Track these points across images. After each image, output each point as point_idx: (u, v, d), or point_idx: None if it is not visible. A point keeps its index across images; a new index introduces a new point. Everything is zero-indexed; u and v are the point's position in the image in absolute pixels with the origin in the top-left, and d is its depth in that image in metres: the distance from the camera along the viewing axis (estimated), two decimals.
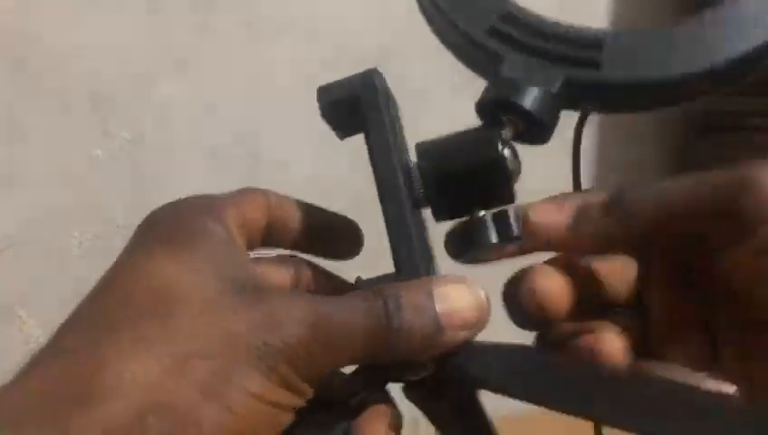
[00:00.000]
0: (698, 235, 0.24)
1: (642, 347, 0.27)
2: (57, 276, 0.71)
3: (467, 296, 0.24)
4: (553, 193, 0.27)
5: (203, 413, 0.19)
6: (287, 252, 0.29)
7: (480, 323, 0.23)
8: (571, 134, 0.29)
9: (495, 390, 0.23)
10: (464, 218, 0.27)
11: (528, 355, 0.24)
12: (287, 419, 0.21)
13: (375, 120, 0.26)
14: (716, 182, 0.23)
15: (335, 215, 0.29)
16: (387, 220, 0.25)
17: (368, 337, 0.22)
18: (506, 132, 0.26)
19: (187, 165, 0.77)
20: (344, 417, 0.24)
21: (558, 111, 0.26)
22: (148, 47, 0.73)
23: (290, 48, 0.81)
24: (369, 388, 0.24)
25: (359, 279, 0.27)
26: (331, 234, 0.29)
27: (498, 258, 0.27)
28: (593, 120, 0.27)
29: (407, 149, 0.28)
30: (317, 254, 0.29)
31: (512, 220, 0.25)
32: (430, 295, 0.23)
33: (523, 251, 0.27)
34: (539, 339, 0.27)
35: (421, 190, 0.26)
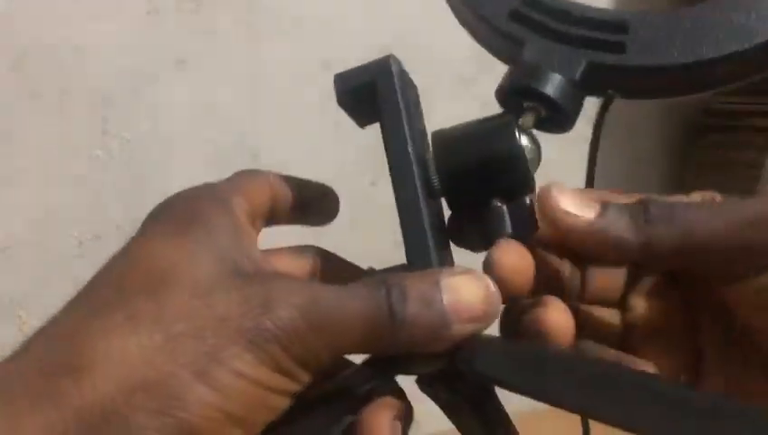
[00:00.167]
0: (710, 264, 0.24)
1: (621, 344, 0.27)
2: (57, 276, 0.71)
3: (476, 289, 0.23)
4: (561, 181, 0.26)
5: (191, 392, 0.19)
6: (299, 240, 0.29)
7: (488, 316, 0.23)
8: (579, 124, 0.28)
9: (501, 385, 0.23)
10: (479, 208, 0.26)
11: (535, 351, 0.23)
12: (280, 402, 0.21)
13: (390, 108, 0.25)
14: (745, 219, 0.22)
15: (317, 183, 0.30)
16: (399, 210, 0.25)
17: (367, 326, 0.22)
18: (527, 120, 0.25)
19: (187, 165, 0.77)
20: (351, 407, 0.23)
21: (581, 98, 0.25)
22: (148, 47, 0.73)
23: (290, 48, 0.81)
24: (378, 379, 0.24)
25: (370, 269, 0.27)
26: (319, 203, 0.30)
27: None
28: (591, 117, 0.27)
29: (425, 135, 0.27)
30: (307, 223, 0.30)
31: (529, 212, 0.25)
32: (437, 287, 0.22)
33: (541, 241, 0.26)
34: (503, 313, 0.27)
35: (436, 180, 0.25)
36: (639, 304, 0.28)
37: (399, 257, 0.25)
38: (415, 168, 0.25)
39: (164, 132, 0.76)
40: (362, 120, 0.28)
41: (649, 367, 0.25)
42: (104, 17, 0.70)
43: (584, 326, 0.27)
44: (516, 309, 0.26)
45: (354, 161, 0.81)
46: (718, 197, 0.25)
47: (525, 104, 0.25)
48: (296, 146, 0.81)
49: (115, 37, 0.71)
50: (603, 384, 0.21)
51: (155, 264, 0.22)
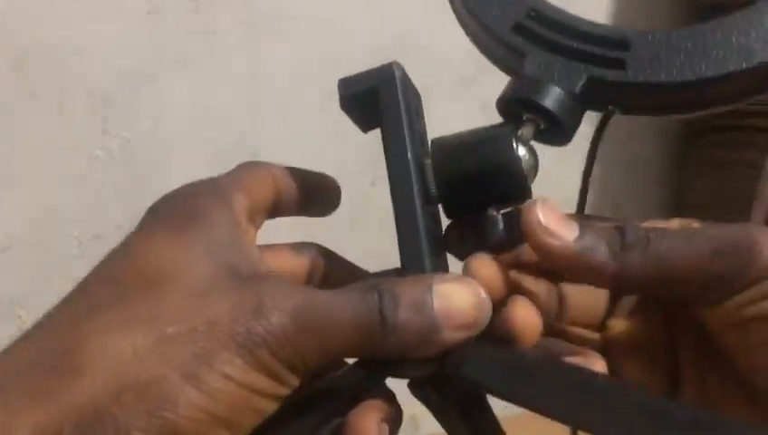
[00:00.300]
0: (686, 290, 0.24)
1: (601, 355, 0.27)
2: (57, 276, 0.71)
3: (467, 295, 0.23)
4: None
5: (180, 394, 0.19)
6: (299, 237, 0.29)
7: (479, 323, 0.23)
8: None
9: (488, 391, 0.23)
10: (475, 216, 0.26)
11: (524, 359, 0.24)
12: (268, 406, 0.21)
13: (391, 114, 0.26)
14: (715, 249, 0.23)
15: (318, 174, 0.30)
16: (395, 215, 0.25)
17: (358, 331, 0.22)
18: (525, 131, 0.25)
19: (187, 165, 0.77)
20: (340, 408, 0.23)
21: (580, 112, 0.26)
22: (148, 47, 0.73)
23: (290, 48, 0.81)
24: (367, 381, 0.24)
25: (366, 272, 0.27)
26: (321, 193, 0.30)
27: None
28: (591, 116, 0.27)
29: (426, 142, 0.27)
30: (310, 214, 0.30)
31: (519, 222, 0.25)
32: (429, 292, 0.22)
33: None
34: None
35: (433, 186, 0.26)
36: (619, 323, 0.28)
37: (398, 257, 0.25)
38: (413, 174, 0.25)
39: (164, 132, 0.76)
40: (365, 125, 0.28)
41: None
42: (104, 17, 0.70)
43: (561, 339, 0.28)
44: None
45: (354, 161, 0.81)
46: (696, 224, 0.26)
47: (525, 116, 0.25)
48: (296, 146, 0.81)
49: (115, 37, 0.71)
50: (589, 394, 0.21)
51: (152, 262, 0.22)
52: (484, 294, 0.23)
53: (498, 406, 0.25)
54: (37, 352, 0.20)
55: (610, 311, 0.29)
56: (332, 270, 0.29)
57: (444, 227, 0.27)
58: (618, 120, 0.26)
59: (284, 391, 0.22)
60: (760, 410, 0.24)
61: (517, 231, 0.24)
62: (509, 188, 0.25)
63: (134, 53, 0.73)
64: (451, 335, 0.22)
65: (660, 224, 0.26)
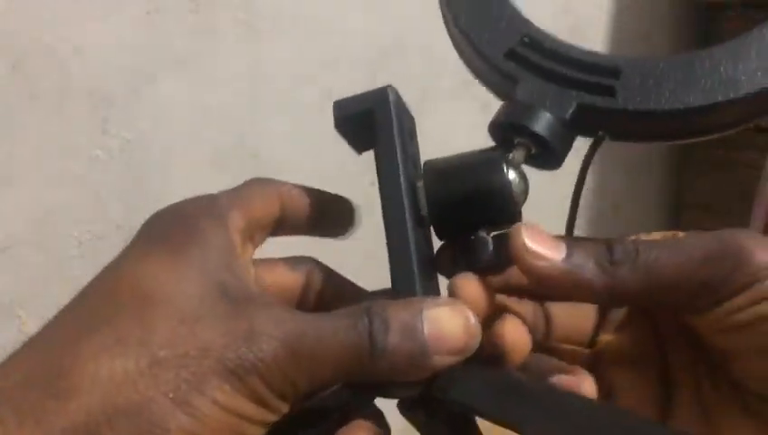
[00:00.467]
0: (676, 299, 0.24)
1: (590, 369, 0.27)
2: (57, 276, 0.71)
3: (458, 320, 0.23)
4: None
5: (171, 419, 0.20)
6: (298, 249, 0.29)
7: (469, 348, 0.23)
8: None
9: (477, 414, 0.23)
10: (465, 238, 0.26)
11: (512, 382, 0.24)
12: (257, 432, 0.22)
13: (385, 137, 0.26)
14: (701, 257, 0.23)
15: (334, 195, 0.30)
16: (387, 237, 0.25)
17: (349, 358, 0.22)
18: (517, 155, 0.26)
19: (187, 165, 0.77)
20: (328, 429, 0.23)
21: (571, 138, 0.26)
22: (148, 47, 0.73)
23: (290, 48, 0.81)
24: (356, 401, 0.24)
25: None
26: (335, 215, 0.30)
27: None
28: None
29: (418, 165, 0.28)
30: (322, 235, 0.30)
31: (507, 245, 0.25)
32: (420, 317, 0.23)
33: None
34: None
35: (425, 209, 0.26)
36: (608, 338, 0.28)
37: (381, 260, 0.25)
38: (405, 196, 0.25)
39: (164, 132, 0.76)
40: (359, 147, 0.29)
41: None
42: (104, 17, 0.70)
43: (551, 355, 0.28)
44: None
45: (354, 161, 0.80)
46: (680, 234, 0.26)
47: (516, 140, 0.26)
48: (296, 146, 0.81)
49: (115, 37, 0.71)
50: (579, 420, 0.21)
51: (146, 282, 0.22)
52: (473, 319, 0.23)
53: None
54: (31, 370, 0.20)
55: (598, 326, 0.29)
56: (328, 286, 0.29)
57: (435, 249, 0.28)
58: None
59: (273, 418, 0.22)
60: (754, 413, 0.24)
61: (507, 254, 0.25)
62: (499, 211, 0.26)
63: (134, 53, 0.73)
64: (441, 360, 0.23)
65: (644, 237, 0.26)
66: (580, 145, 0.27)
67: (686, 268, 0.23)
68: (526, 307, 0.28)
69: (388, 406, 0.25)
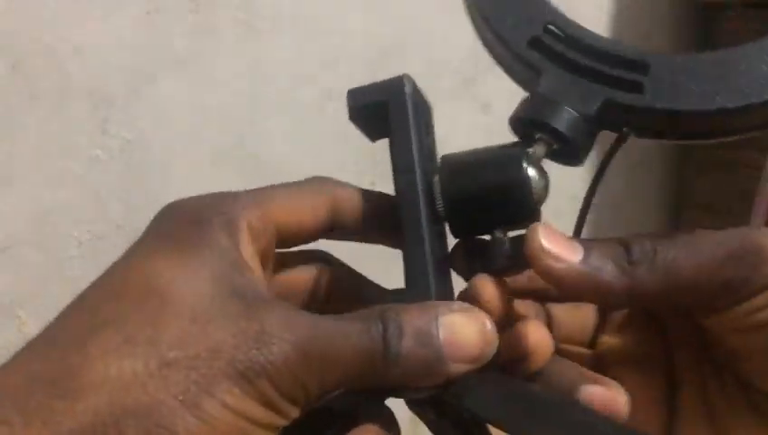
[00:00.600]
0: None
1: (594, 370, 0.27)
2: (56, 276, 0.71)
3: (474, 327, 0.23)
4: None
5: (179, 421, 0.19)
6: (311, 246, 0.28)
7: (485, 356, 0.23)
8: None
9: (490, 423, 0.23)
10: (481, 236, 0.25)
11: (527, 393, 0.23)
12: None
13: (400, 131, 0.25)
14: (721, 256, 0.23)
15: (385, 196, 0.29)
16: (403, 235, 0.24)
17: (361, 362, 0.21)
18: (537, 150, 0.25)
19: (187, 165, 0.77)
20: (339, 431, 0.23)
21: (595, 133, 0.25)
22: (148, 47, 0.73)
23: (290, 48, 0.81)
24: (367, 402, 0.24)
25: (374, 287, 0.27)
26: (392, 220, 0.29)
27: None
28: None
29: (435, 157, 0.27)
30: (383, 243, 0.29)
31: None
32: (435, 323, 0.22)
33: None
34: None
35: (440, 205, 0.25)
36: (610, 338, 0.28)
37: (397, 254, 0.25)
38: (420, 193, 0.25)
39: (164, 132, 0.76)
40: (373, 135, 0.28)
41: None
42: (104, 17, 0.70)
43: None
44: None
45: (354, 161, 0.81)
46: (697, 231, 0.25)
47: (537, 135, 0.25)
48: (296, 146, 0.81)
49: (115, 37, 0.71)
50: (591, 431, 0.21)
51: (155, 280, 0.22)
52: (490, 326, 0.23)
53: None
54: (38, 369, 0.20)
55: (600, 326, 0.29)
56: (339, 281, 0.28)
57: (449, 245, 0.27)
58: None
59: (282, 422, 0.22)
60: (762, 413, 0.24)
61: (523, 255, 0.24)
62: (517, 208, 0.25)
63: (134, 53, 0.72)
64: (456, 367, 0.22)
65: (660, 235, 0.26)
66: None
67: (706, 268, 0.23)
68: (529, 308, 0.28)
69: (395, 400, 0.25)
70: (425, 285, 0.24)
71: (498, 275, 0.25)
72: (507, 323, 0.25)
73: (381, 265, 0.29)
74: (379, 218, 0.27)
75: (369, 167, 0.81)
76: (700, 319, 0.25)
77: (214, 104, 0.78)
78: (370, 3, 0.85)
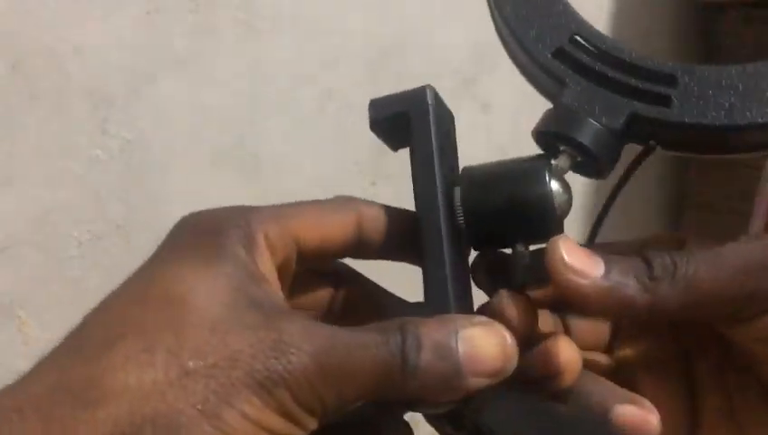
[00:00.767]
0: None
1: (614, 377, 0.27)
2: (56, 276, 0.71)
3: (494, 341, 0.22)
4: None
5: (198, 431, 0.20)
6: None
7: (505, 371, 0.23)
8: None
9: None
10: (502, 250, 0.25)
11: (552, 414, 0.23)
12: None
13: (422, 144, 0.25)
14: (745, 268, 0.22)
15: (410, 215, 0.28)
16: (422, 247, 0.24)
17: (379, 375, 0.21)
18: (561, 163, 0.24)
19: (187, 165, 0.77)
20: None
21: (620, 146, 0.24)
22: (148, 47, 0.73)
23: (290, 48, 0.81)
24: (384, 415, 0.24)
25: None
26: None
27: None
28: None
29: (456, 167, 0.27)
30: (409, 261, 0.28)
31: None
32: (455, 336, 0.22)
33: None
34: None
35: (461, 218, 0.25)
36: (628, 345, 0.28)
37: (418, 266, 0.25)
38: (441, 205, 0.24)
39: (164, 132, 0.76)
40: (395, 145, 0.27)
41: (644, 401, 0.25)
42: (104, 17, 0.70)
43: None
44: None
45: (354, 161, 0.81)
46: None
47: (561, 148, 0.24)
48: (296, 146, 0.81)
49: (115, 37, 0.71)
50: None
51: (174, 289, 0.22)
52: (510, 340, 0.23)
53: None
54: (60, 379, 0.20)
55: (617, 332, 0.29)
56: (356, 293, 0.28)
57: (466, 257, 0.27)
58: None
59: (300, 434, 0.21)
60: None
61: (544, 269, 0.23)
62: (539, 223, 0.24)
63: (134, 53, 0.72)
64: (475, 382, 0.22)
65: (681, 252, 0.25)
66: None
67: (728, 281, 0.22)
68: (547, 318, 0.28)
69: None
70: (444, 298, 0.24)
71: (520, 288, 0.25)
72: (532, 338, 0.25)
73: (402, 275, 0.29)
74: (405, 236, 0.27)
75: (369, 167, 0.81)
76: (722, 329, 0.25)
77: (214, 104, 0.78)
78: (370, 3, 0.85)
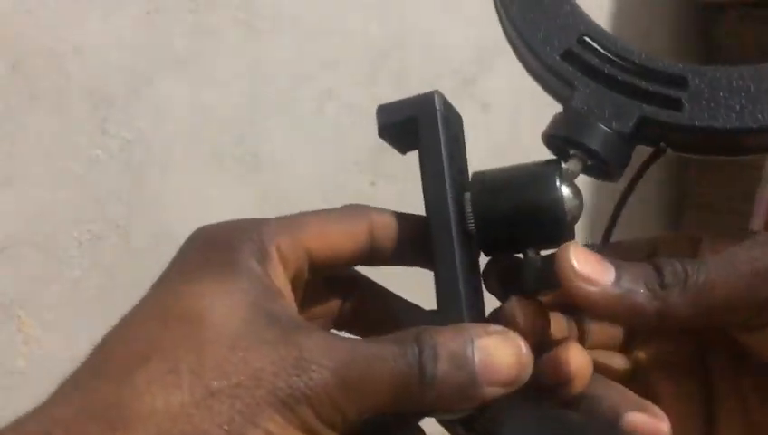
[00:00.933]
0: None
1: (630, 380, 0.26)
2: (56, 276, 0.71)
3: (509, 350, 0.22)
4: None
5: None
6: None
7: (520, 380, 0.23)
8: None
9: None
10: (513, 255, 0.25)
11: (560, 416, 0.23)
12: None
13: (431, 149, 0.25)
14: (757, 275, 0.22)
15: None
16: (433, 253, 0.24)
17: (397, 386, 0.21)
18: (572, 168, 0.24)
19: (187, 165, 0.77)
20: None
21: (630, 149, 0.24)
22: (148, 47, 0.73)
23: (290, 48, 0.81)
24: (399, 423, 0.24)
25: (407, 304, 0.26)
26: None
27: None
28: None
29: (465, 171, 0.26)
30: (421, 266, 0.28)
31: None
32: (471, 346, 0.22)
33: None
34: None
35: (471, 223, 0.25)
36: (642, 347, 0.28)
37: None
38: (451, 211, 0.24)
39: (164, 132, 0.76)
40: (403, 148, 0.27)
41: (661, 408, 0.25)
42: (104, 17, 0.70)
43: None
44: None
45: (354, 161, 0.81)
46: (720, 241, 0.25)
47: (572, 152, 0.24)
48: (296, 146, 0.81)
49: (115, 37, 0.71)
50: None
51: (191, 306, 0.22)
52: (525, 349, 0.23)
53: None
54: (84, 401, 0.20)
55: (632, 331, 0.28)
56: (366, 297, 0.28)
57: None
58: None
59: None
60: None
61: (555, 274, 0.23)
62: (550, 229, 0.24)
63: (134, 53, 0.72)
64: (491, 391, 0.22)
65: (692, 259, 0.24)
66: None
67: (740, 288, 0.22)
68: (560, 320, 0.27)
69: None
70: (457, 304, 0.24)
71: (531, 294, 0.25)
72: (544, 344, 0.25)
73: (413, 279, 0.28)
74: (416, 242, 0.27)
75: (368, 167, 0.81)
76: (735, 335, 0.24)
77: (214, 104, 0.78)
78: (370, 3, 0.85)
